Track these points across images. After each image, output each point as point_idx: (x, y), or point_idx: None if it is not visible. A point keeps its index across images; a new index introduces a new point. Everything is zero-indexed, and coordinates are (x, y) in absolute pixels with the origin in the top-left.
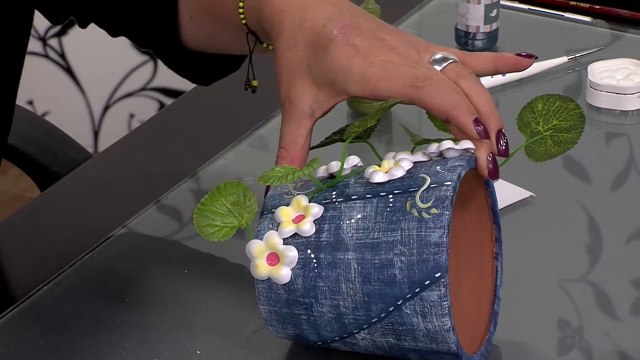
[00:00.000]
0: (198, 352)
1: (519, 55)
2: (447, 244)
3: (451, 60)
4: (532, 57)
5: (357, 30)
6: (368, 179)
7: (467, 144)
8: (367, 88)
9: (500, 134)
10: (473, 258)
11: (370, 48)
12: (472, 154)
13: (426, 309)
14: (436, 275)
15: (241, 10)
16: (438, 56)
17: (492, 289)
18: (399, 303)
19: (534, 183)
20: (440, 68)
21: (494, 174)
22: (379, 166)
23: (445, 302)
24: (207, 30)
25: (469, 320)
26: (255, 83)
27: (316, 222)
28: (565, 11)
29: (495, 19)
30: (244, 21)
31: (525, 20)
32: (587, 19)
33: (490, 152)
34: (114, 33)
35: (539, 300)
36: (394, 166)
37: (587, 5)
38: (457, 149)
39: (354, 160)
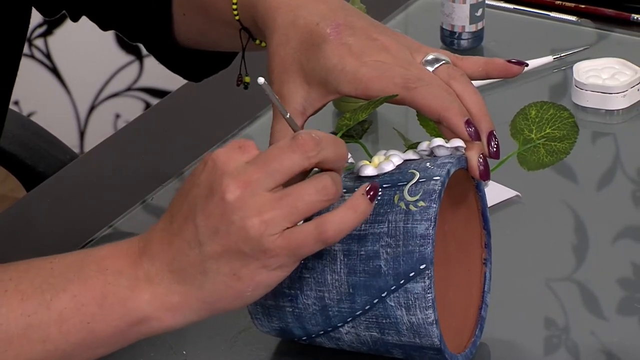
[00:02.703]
0: (184, 352)
1: (509, 61)
2: (434, 236)
3: (443, 62)
4: (523, 65)
5: (351, 29)
6: (358, 173)
7: (457, 142)
8: (359, 87)
9: (491, 135)
10: (462, 263)
11: (363, 48)
12: (463, 153)
13: (410, 301)
14: (421, 267)
15: (235, 7)
16: (430, 57)
17: (479, 294)
18: (383, 295)
19: (519, 182)
20: (433, 69)
21: (485, 175)
22: (370, 162)
23: (430, 295)
24: (200, 27)
25: (455, 324)
26: (247, 79)
27: None
28: (550, 10)
29: (480, 18)
30: (237, 17)
31: (511, 19)
32: (573, 18)
33: (482, 153)
34: (104, 27)
35: (526, 299)
36: (384, 161)
37: (573, 4)
38: (447, 147)
39: None
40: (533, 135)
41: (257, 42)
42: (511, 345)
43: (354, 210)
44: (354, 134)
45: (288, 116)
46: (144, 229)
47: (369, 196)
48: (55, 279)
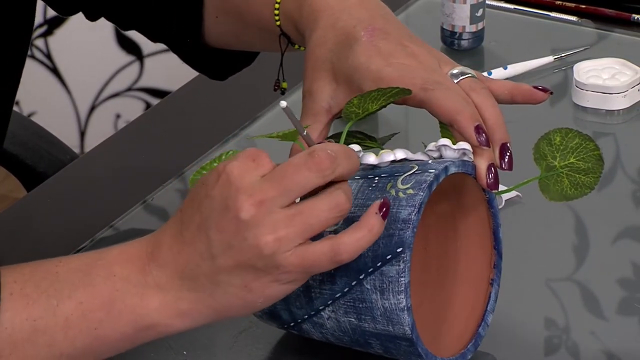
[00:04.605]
0: (184, 352)
1: (535, 87)
2: (415, 222)
3: (469, 75)
4: (548, 92)
5: (385, 34)
6: (360, 161)
7: (464, 144)
8: (380, 86)
9: (504, 147)
10: (469, 280)
11: (392, 51)
12: (470, 159)
13: (384, 285)
14: (397, 250)
15: (277, 12)
16: (456, 70)
17: (482, 313)
18: (361, 277)
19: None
20: (457, 81)
21: (494, 185)
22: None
23: (403, 279)
24: (233, 30)
25: (451, 338)
26: (284, 85)
27: None
28: (551, 11)
29: (481, 18)
30: (278, 23)
31: (511, 19)
32: (573, 18)
33: (492, 163)
34: (125, 27)
35: (526, 300)
36: (386, 151)
37: (573, 4)
38: (454, 148)
39: (355, 149)
40: (556, 163)
41: (297, 46)
42: (511, 345)
43: (368, 231)
44: (378, 140)
45: (305, 133)
46: (144, 229)
47: (381, 213)
48: (61, 283)
